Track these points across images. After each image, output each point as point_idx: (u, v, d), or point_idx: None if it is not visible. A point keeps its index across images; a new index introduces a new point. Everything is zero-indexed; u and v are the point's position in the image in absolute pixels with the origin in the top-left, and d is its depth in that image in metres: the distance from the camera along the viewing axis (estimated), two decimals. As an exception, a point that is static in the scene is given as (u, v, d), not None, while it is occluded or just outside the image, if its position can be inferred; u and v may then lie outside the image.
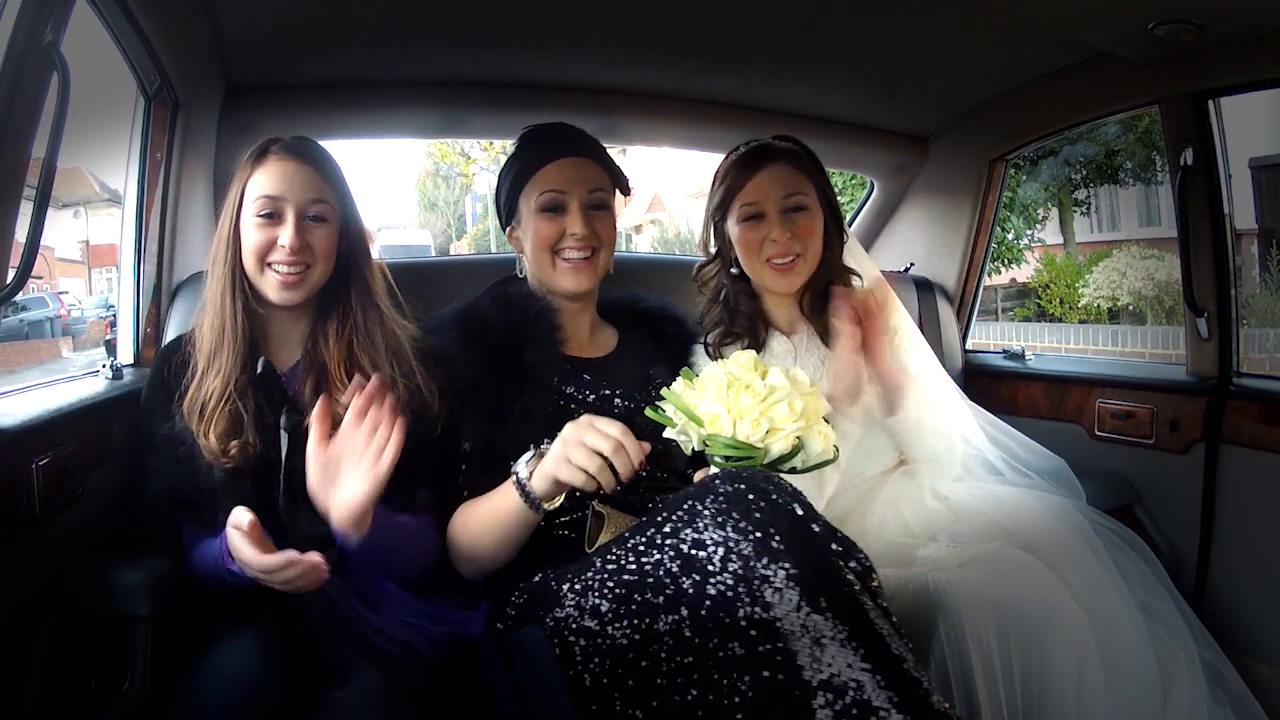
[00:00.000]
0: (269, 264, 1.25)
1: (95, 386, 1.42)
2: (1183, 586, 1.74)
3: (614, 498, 1.33)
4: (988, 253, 2.23)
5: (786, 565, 1.03)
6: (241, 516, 1.08)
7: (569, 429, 1.18)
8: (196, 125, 1.67)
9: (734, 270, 1.56)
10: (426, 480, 1.31)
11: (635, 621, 1.07)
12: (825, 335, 1.56)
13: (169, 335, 1.62)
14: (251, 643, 1.10)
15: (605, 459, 1.14)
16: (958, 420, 1.60)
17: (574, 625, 1.11)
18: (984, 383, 1.83)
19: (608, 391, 1.41)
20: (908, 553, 1.43)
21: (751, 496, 1.08)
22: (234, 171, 1.29)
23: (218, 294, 1.26)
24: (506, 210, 1.47)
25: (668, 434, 1.23)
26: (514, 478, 1.23)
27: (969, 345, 2.25)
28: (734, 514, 1.06)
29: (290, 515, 1.21)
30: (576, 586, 1.13)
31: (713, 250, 1.60)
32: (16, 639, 1.13)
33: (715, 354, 1.56)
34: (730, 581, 1.03)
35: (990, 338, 7.86)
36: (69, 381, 1.44)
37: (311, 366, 1.29)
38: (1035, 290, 9.90)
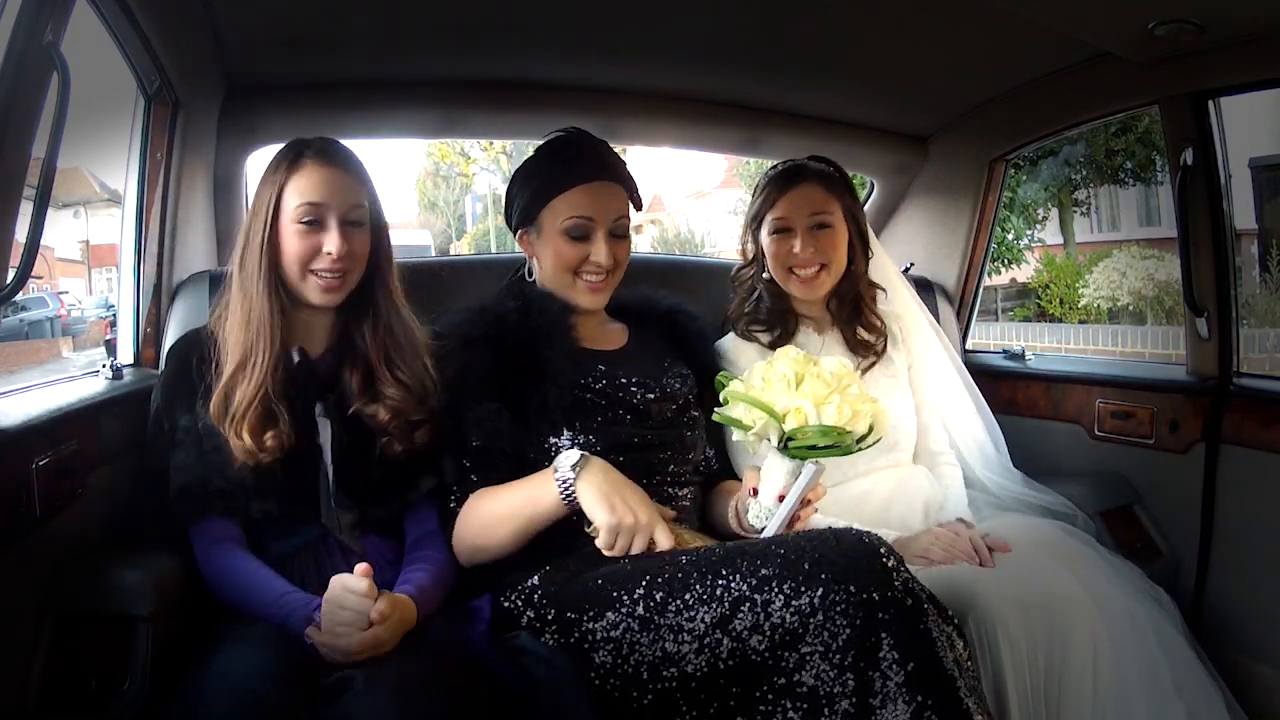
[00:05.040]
0: (312, 270, 1.28)
1: (95, 386, 1.42)
2: (1183, 586, 1.75)
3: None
4: (988, 253, 2.22)
5: (891, 648, 1.04)
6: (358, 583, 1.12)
7: (636, 496, 1.21)
8: (196, 125, 1.67)
9: (765, 275, 1.68)
10: (432, 468, 1.34)
11: (709, 656, 1.10)
12: (852, 343, 1.68)
13: (169, 335, 1.61)
14: (258, 644, 1.11)
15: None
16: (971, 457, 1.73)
17: (631, 638, 1.14)
18: (984, 383, 1.82)
19: (623, 380, 1.42)
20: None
21: (850, 559, 1.08)
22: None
23: (257, 299, 1.26)
24: (521, 215, 1.46)
25: (735, 437, 1.24)
26: (556, 478, 1.24)
27: (969, 345, 2.25)
28: (833, 585, 1.06)
29: (331, 497, 1.26)
30: (643, 601, 1.14)
31: (749, 255, 1.72)
32: (16, 639, 1.13)
33: (746, 335, 1.67)
34: (826, 653, 1.05)
35: (990, 338, 7.88)
36: (69, 381, 1.44)
37: (350, 360, 1.32)
38: (1035, 290, 9.91)
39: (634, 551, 1.19)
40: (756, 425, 1.20)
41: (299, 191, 1.26)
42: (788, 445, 1.21)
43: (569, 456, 1.24)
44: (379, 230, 1.34)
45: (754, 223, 1.69)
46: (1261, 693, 1.60)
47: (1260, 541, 1.68)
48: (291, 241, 1.27)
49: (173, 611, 1.22)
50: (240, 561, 1.23)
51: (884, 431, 1.22)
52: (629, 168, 1.48)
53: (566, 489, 1.23)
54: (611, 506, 1.20)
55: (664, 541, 1.20)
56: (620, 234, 1.43)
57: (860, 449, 1.22)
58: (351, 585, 1.12)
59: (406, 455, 1.31)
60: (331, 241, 1.26)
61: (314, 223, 1.27)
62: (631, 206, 1.46)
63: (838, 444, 1.17)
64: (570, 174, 1.41)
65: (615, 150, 1.50)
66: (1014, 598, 1.29)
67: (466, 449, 1.34)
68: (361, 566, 1.13)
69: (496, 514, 1.29)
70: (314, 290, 1.28)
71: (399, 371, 1.31)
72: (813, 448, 1.18)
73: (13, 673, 1.11)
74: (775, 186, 1.65)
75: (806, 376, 1.19)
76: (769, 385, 1.20)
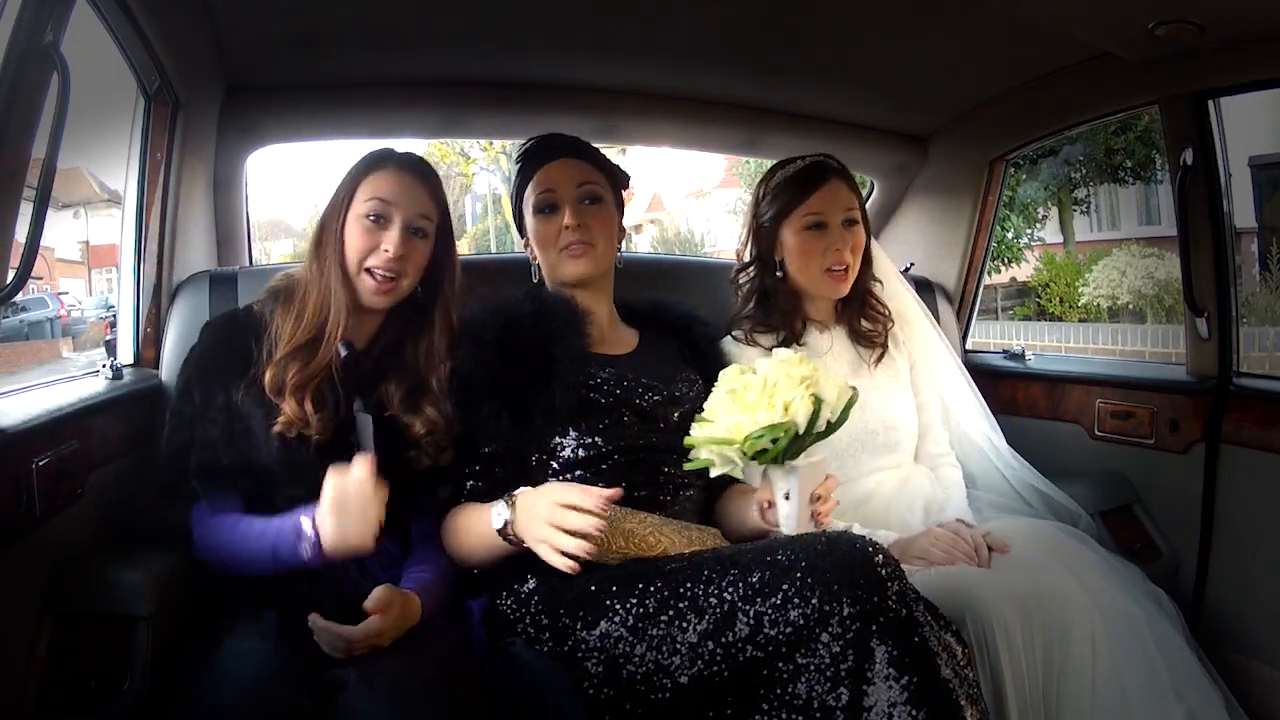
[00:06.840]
0: (367, 268, 1.30)
1: (95, 386, 1.42)
2: (1183, 586, 1.75)
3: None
4: (988, 252, 2.22)
5: (888, 651, 1.04)
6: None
7: (542, 505, 1.19)
8: (196, 125, 1.67)
9: (779, 274, 1.65)
10: (448, 476, 1.35)
11: (702, 667, 1.09)
12: (857, 336, 1.69)
13: (169, 335, 1.61)
14: (259, 642, 1.11)
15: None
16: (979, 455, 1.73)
17: (624, 648, 1.13)
18: (984, 383, 1.82)
19: (631, 383, 1.42)
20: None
21: (843, 568, 1.07)
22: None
23: (334, 284, 1.30)
24: (517, 225, 1.54)
25: (714, 473, 1.24)
26: (493, 526, 1.24)
27: (969, 345, 2.25)
28: (825, 596, 1.06)
29: None
30: (635, 610, 1.14)
31: (748, 256, 1.69)
32: (16, 639, 1.13)
33: (749, 340, 1.64)
34: (824, 665, 1.05)
35: (990, 337, 7.87)
36: (69, 381, 1.44)
37: (397, 369, 1.34)
38: (1035, 289, 9.91)
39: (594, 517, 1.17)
40: (715, 459, 1.22)
41: (372, 188, 1.31)
42: (759, 458, 1.21)
43: (498, 512, 1.24)
44: (444, 248, 1.37)
45: (774, 221, 1.63)
46: (1261, 693, 1.60)
47: (1260, 541, 1.68)
48: (354, 236, 1.30)
49: (173, 611, 1.23)
50: (229, 517, 1.24)
51: (840, 401, 1.20)
52: (625, 165, 1.53)
53: (514, 540, 1.23)
54: (551, 549, 1.17)
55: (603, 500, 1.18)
56: (589, 201, 1.45)
57: (835, 422, 1.20)
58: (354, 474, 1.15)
59: (429, 469, 1.33)
60: (391, 240, 1.29)
61: (379, 219, 1.30)
62: (613, 184, 1.49)
63: (790, 441, 1.17)
64: (531, 165, 1.48)
65: (585, 141, 1.54)
66: (1013, 598, 1.29)
67: (475, 455, 1.35)
68: (377, 597, 1.14)
69: (467, 540, 1.30)
70: (366, 289, 1.31)
71: (439, 395, 1.33)
72: (766, 452, 1.18)
73: (13, 673, 1.12)
74: (804, 182, 1.61)
75: (738, 393, 1.21)
76: (713, 415, 1.22)
